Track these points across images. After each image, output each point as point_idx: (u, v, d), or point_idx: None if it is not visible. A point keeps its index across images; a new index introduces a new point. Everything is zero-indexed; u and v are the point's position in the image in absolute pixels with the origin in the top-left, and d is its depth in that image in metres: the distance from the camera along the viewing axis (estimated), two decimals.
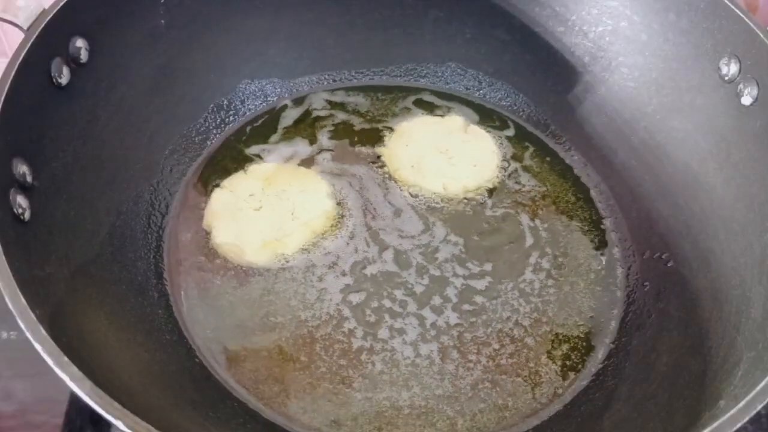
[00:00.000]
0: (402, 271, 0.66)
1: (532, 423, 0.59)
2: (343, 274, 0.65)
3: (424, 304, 0.64)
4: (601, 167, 0.75)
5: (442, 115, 0.79)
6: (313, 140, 0.75)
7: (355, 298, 0.64)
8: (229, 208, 0.68)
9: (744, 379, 0.48)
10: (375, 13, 0.79)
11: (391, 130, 0.77)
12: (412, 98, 0.81)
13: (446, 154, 0.74)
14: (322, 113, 0.78)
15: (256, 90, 0.78)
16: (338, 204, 0.70)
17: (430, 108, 0.80)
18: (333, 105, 0.79)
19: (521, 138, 0.78)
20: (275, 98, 0.79)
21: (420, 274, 0.66)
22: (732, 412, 0.41)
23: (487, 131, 0.77)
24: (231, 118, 0.76)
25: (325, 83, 0.81)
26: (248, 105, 0.77)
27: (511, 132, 0.78)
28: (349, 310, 0.63)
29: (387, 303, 0.64)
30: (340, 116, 0.78)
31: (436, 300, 0.64)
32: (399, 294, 0.64)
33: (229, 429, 0.56)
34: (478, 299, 0.65)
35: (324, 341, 0.61)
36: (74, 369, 0.40)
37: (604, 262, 0.68)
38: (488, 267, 0.67)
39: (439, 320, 0.63)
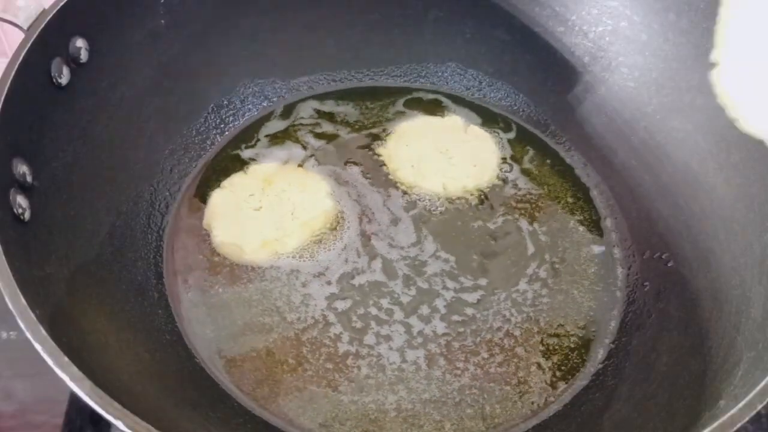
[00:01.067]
0: (390, 281, 0.66)
1: (532, 423, 0.59)
2: (329, 283, 0.65)
3: (410, 313, 0.64)
4: (601, 167, 0.75)
5: (441, 116, 0.79)
6: (306, 144, 0.75)
7: (341, 305, 0.64)
8: (229, 208, 0.68)
9: (744, 379, 0.47)
10: (375, 13, 0.78)
11: (385, 133, 0.77)
12: (402, 99, 0.80)
13: (446, 154, 0.74)
14: (308, 121, 0.77)
15: (256, 90, 0.78)
16: (337, 212, 0.70)
17: (427, 109, 0.80)
18: (321, 114, 0.78)
19: (521, 138, 0.78)
20: (275, 98, 0.79)
21: (407, 285, 0.65)
22: (732, 412, 0.41)
23: (487, 131, 0.77)
24: (231, 118, 0.76)
25: (325, 83, 0.80)
26: (248, 105, 0.77)
27: (511, 132, 0.78)
28: (334, 315, 0.63)
29: (373, 310, 0.64)
30: (329, 127, 0.77)
31: (424, 309, 0.64)
32: (385, 303, 0.64)
33: (229, 429, 0.56)
34: (469, 311, 0.64)
35: (311, 344, 0.61)
36: (74, 369, 0.40)
37: (604, 263, 0.68)
38: (483, 282, 0.66)
39: (426, 329, 0.63)
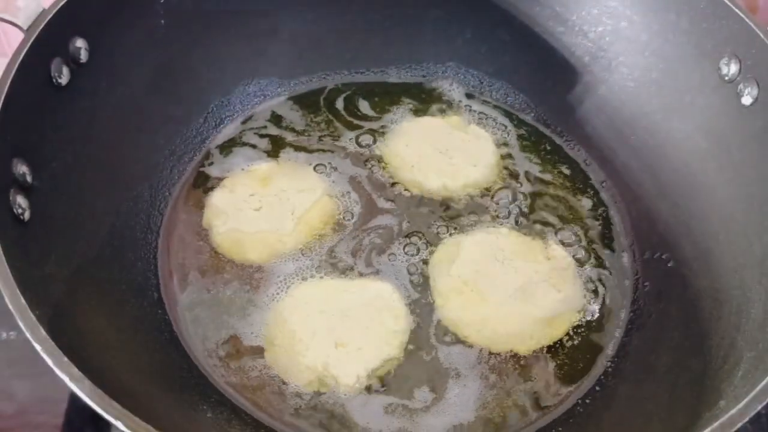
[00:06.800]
0: (391, 278, 0.65)
1: (535, 425, 0.59)
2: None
3: (412, 312, 0.64)
4: (601, 167, 0.75)
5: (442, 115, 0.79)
6: (303, 143, 0.75)
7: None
8: (229, 207, 0.68)
9: (744, 379, 0.48)
10: (375, 13, 0.78)
11: (385, 132, 0.77)
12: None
13: (446, 154, 0.74)
14: (304, 121, 0.77)
15: (256, 90, 0.78)
16: (337, 210, 0.70)
17: (427, 109, 0.80)
18: (318, 114, 0.78)
19: (521, 138, 0.78)
20: (275, 98, 0.78)
21: (409, 282, 0.65)
22: (732, 412, 0.41)
23: (487, 131, 0.77)
24: (230, 118, 0.76)
25: (325, 83, 0.80)
26: (248, 105, 0.77)
27: (511, 132, 0.78)
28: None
29: None
30: (326, 126, 0.77)
31: (426, 306, 0.64)
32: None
33: (228, 429, 0.56)
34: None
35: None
36: (74, 369, 0.40)
37: (604, 263, 0.68)
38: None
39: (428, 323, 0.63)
